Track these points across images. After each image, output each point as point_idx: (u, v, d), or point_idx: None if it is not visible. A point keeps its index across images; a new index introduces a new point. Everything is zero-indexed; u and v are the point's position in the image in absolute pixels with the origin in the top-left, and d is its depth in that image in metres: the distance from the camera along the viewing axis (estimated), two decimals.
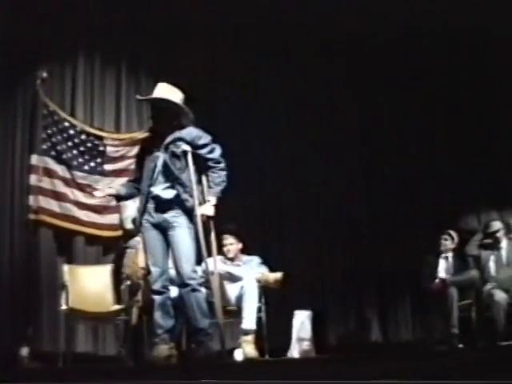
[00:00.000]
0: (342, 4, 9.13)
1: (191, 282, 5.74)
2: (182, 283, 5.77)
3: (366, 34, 9.73)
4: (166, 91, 5.94)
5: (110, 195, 6.26)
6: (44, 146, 8.16)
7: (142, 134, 6.37)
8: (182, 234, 5.77)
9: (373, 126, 9.96)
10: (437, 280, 8.31)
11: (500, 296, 7.98)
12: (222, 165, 5.99)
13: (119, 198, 6.22)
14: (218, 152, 5.99)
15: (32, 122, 8.26)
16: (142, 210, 5.84)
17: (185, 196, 5.78)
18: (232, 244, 7.28)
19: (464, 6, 8.98)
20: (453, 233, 8.57)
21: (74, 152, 8.33)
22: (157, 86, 6.00)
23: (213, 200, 5.91)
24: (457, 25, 9.49)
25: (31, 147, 8.17)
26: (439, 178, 9.97)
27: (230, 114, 9.09)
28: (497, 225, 8.55)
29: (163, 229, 5.83)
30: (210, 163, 5.96)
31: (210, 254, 5.98)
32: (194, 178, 5.80)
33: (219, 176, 5.96)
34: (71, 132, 8.36)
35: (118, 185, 6.58)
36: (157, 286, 5.81)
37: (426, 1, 9.10)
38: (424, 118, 10.15)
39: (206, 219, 5.87)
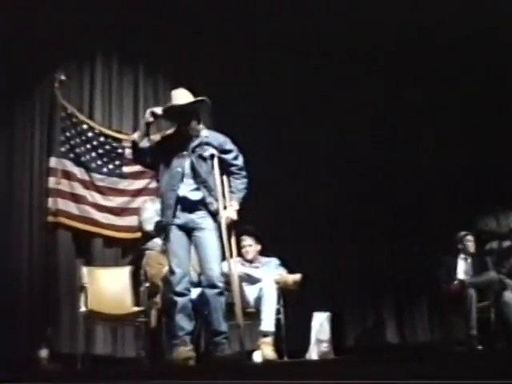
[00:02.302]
0: (353, 8, 9.14)
1: (220, 284, 5.80)
2: (209, 284, 5.80)
3: (381, 39, 9.71)
4: (186, 96, 5.99)
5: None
6: (62, 149, 8.16)
7: (158, 137, 6.33)
8: (211, 236, 5.84)
9: (389, 125, 9.96)
10: (455, 281, 8.28)
11: (510, 297, 7.95)
12: (245, 172, 6.11)
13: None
14: (241, 159, 6.13)
15: (50, 125, 8.27)
16: (173, 212, 5.82)
17: (210, 199, 5.86)
18: (251, 245, 7.26)
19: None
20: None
21: (93, 154, 8.36)
22: (174, 94, 6.03)
23: (236, 205, 6.03)
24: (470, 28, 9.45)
25: (50, 150, 8.19)
26: (457, 178, 9.93)
27: (246, 116, 9.10)
28: None
29: (188, 229, 5.86)
30: (234, 169, 6.09)
31: (231, 257, 6.07)
32: (219, 182, 5.91)
33: (242, 183, 6.09)
34: (89, 134, 8.38)
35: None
36: (180, 288, 5.81)
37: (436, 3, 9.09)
38: (441, 117, 10.13)
39: (230, 223, 6.00)
